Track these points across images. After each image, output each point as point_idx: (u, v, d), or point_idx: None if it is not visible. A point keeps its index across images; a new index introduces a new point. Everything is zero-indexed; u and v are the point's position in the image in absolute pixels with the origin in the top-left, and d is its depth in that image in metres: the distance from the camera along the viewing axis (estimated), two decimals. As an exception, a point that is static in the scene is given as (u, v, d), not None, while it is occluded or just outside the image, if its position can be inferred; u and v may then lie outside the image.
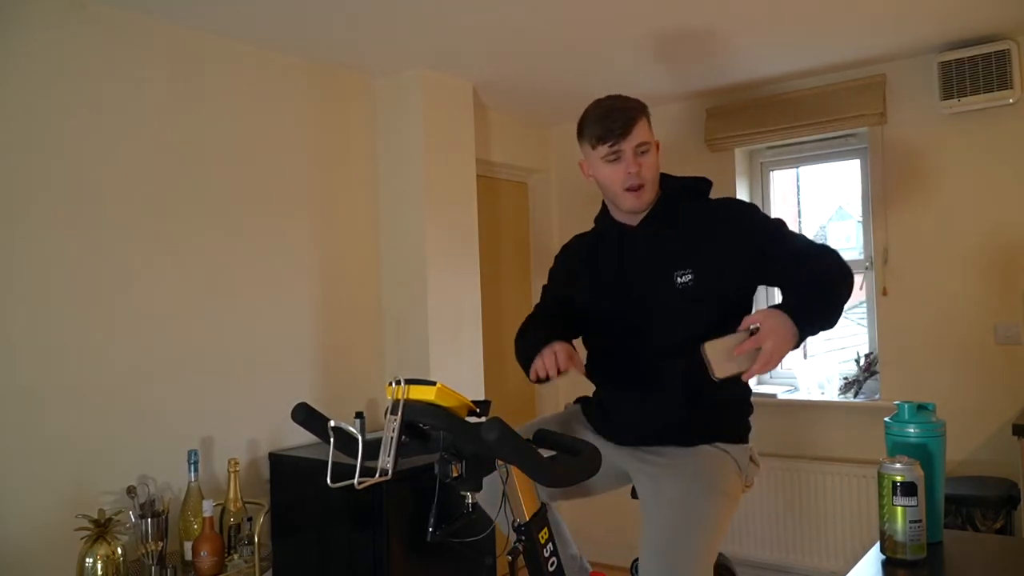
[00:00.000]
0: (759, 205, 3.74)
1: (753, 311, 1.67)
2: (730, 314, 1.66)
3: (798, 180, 3.88)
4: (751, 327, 1.48)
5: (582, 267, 1.89)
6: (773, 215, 1.83)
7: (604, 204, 1.90)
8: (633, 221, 1.80)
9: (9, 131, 2.14)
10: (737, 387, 1.78)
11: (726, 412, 1.78)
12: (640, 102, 1.79)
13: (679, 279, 1.70)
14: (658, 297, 1.72)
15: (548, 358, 1.63)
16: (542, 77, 3.29)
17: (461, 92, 3.29)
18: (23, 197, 2.16)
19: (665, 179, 1.82)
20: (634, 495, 1.79)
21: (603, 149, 1.73)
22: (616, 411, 1.81)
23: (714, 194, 1.88)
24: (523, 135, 3.97)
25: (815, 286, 1.61)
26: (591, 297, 1.83)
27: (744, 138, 3.55)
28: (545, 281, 2.06)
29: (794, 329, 1.50)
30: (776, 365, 1.47)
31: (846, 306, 1.66)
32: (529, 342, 1.74)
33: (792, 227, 1.80)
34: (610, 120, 1.71)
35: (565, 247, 2.02)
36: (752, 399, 1.86)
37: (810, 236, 1.81)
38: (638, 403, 1.77)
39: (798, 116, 3.39)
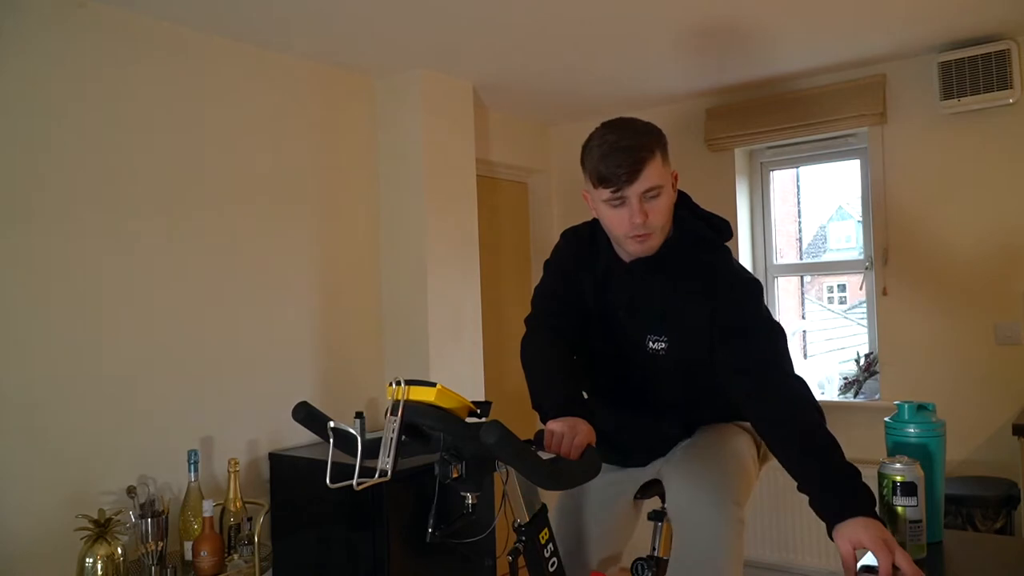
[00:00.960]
0: (760, 205, 3.74)
1: None
2: (705, 384, 1.59)
3: (798, 180, 3.88)
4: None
5: (579, 277, 1.70)
6: (770, 318, 1.54)
7: None
8: (625, 256, 1.61)
9: (8, 130, 2.14)
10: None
11: (727, 409, 1.77)
12: (654, 133, 1.54)
13: (651, 344, 1.57)
14: (636, 356, 1.60)
15: (564, 444, 1.39)
16: (542, 77, 3.29)
17: (461, 92, 3.29)
18: (22, 197, 2.16)
19: (684, 218, 1.60)
20: (635, 495, 1.79)
21: (605, 192, 1.49)
22: (619, 437, 1.76)
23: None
24: (523, 135, 3.97)
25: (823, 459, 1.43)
26: (588, 313, 1.70)
27: (744, 138, 3.55)
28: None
29: (871, 514, 1.27)
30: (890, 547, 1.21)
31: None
32: (548, 396, 1.52)
33: (782, 343, 1.51)
34: (615, 162, 1.47)
35: (570, 240, 1.76)
36: None
37: (793, 365, 1.51)
38: (639, 429, 1.75)
39: (798, 116, 3.39)
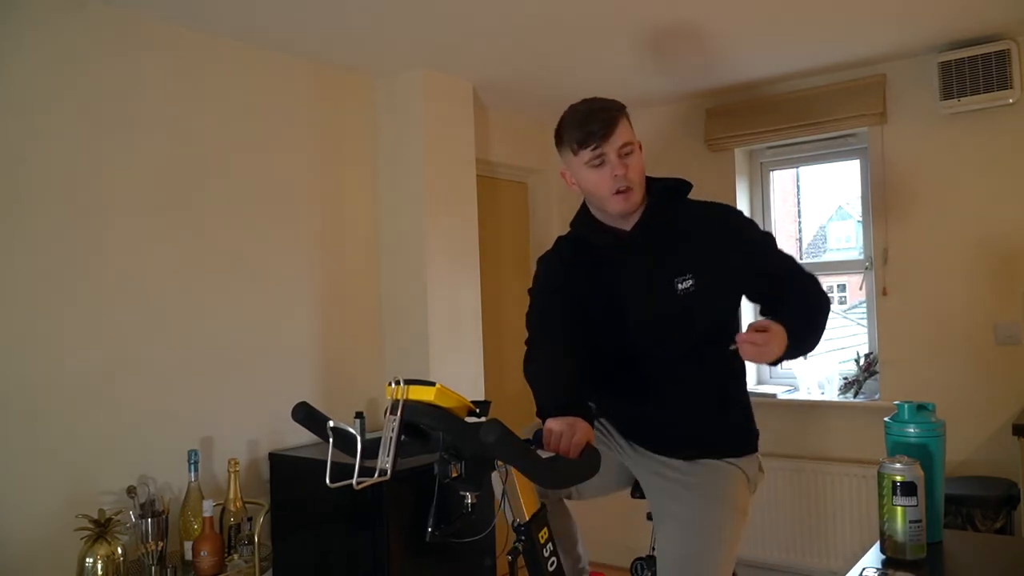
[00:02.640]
0: (760, 205, 3.75)
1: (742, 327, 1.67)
2: (725, 327, 1.67)
3: (798, 180, 3.88)
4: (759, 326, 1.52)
5: (578, 276, 1.77)
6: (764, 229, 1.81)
7: (585, 208, 1.80)
8: (626, 225, 1.72)
9: (8, 130, 2.14)
10: (740, 391, 1.79)
11: (735, 425, 1.77)
12: (618, 102, 1.69)
13: (680, 285, 1.66)
14: (659, 304, 1.67)
15: (564, 443, 1.42)
16: (542, 77, 3.29)
17: (461, 92, 3.29)
18: (22, 196, 2.16)
19: (649, 181, 1.75)
20: (633, 495, 1.79)
21: (586, 154, 1.64)
22: (626, 421, 1.79)
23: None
24: (523, 135, 3.97)
25: (808, 314, 1.64)
26: (592, 308, 1.75)
27: (744, 138, 3.55)
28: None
29: (784, 344, 1.52)
30: (756, 359, 1.53)
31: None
32: (549, 398, 1.56)
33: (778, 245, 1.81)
34: (590, 123, 1.63)
35: (551, 257, 1.85)
36: (752, 399, 1.85)
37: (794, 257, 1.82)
38: (647, 416, 1.75)
39: (798, 116, 3.39)
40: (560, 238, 1.87)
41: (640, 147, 1.70)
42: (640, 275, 1.70)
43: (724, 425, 1.75)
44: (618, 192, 1.64)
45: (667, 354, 1.70)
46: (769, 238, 1.78)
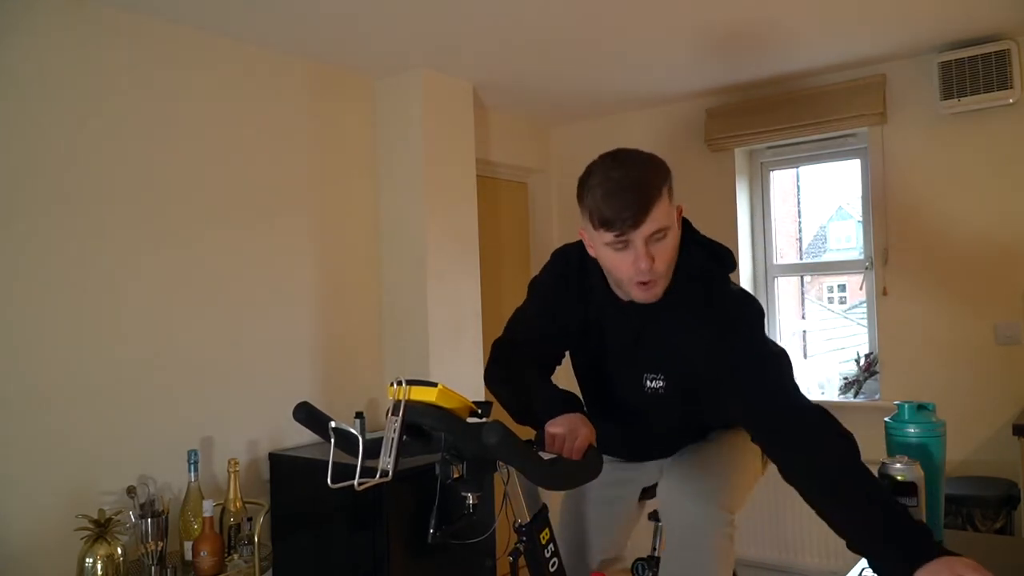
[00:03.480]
0: (760, 205, 3.74)
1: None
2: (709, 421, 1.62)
3: (798, 180, 3.88)
4: None
5: (564, 311, 1.62)
6: (775, 349, 1.43)
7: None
8: (623, 296, 1.51)
9: (8, 129, 2.14)
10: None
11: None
12: (661, 169, 1.40)
13: (648, 383, 1.51)
14: (630, 392, 1.57)
15: (566, 447, 1.35)
16: (542, 77, 3.29)
17: (461, 92, 3.29)
18: (22, 196, 2.16)
19: (686, 252, 1.47)
20: (640, 499, 1.79)
21: (608, 236, 1.37)
22: (620, 442, 1.76)
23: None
24: (523, 135, 3.97)
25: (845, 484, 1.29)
26: (577, 347, 1.66)
27: (744, 138, 3.55)
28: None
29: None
30: None
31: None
32: (539, 399, 1.48)
33: (787, 374, 1.39)
34: (619, 203, 1.33)
35: (559, 269, 1.65)
36: None
37: (798, 394, 1.37)
38: (639, 441, 1.74)
39: (798, 116, 3.39)
40: (581, 253, 1.57)
41: (679, 215, 1.44)
42: (621, 346, 1.56)
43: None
44: (640, 283, 1.40)
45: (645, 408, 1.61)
46: (767, 364, 1.39)
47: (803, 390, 1.39)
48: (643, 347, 1.52)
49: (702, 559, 1.50)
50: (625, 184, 1.35)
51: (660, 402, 1.54)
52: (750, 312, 1.46)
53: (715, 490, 1.54)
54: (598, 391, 1.69)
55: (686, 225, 1.52)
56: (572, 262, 1.61)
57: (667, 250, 1.39)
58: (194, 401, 2.53)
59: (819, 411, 1.32)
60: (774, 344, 1.45)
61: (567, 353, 1.71)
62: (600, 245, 1.41)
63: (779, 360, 1.40)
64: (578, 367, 1.71)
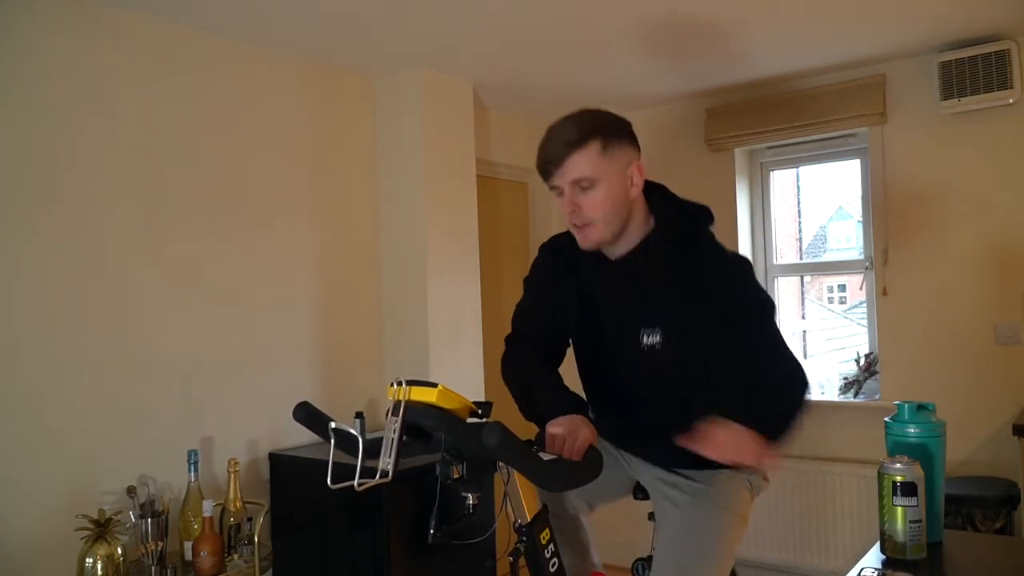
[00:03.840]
0: (760, 205, 3.74)
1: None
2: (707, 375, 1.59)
3: (798, 180, 3.88)
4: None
5: (557, 286, 1.68)
6: (764, 295, 1.55)
7: None
8: (612, 254, 1.58)
9: (8, 129, 2.14)
10: None
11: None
12: (601, 123, 1.49)
13: (645, 339, 1.52)
14: (626, 353, 1.57)
15: (567, 447, 1.38)
16: (542, 77, 3.29)
17: (461, 92, 3.29)
18: (22, 196, 2.16)
19: (661, 207, 1.57)
20: (635, 496, 1.79)
21: (548, 185, 1.53)
22: (617, 435, 1.75)
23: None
24: (523, 135, 3.96)
25: (767, 410, 1.44)
26: (574, 326, 1.68)
27: (744, 138, 3.55)
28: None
29: (747, 435, 1.35)
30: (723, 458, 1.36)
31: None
32: (542, 398, 1.54)
33: (774, 319, 1.53)
34: (545, 151, 1.49)
35: (547, 253, 1.75)
36: None
37: (785, 342, 1.52)
38: (637, 431, 1.71)
39: (798, 116, 3.39)
40: (564, 233, 1.71)
41: (636, 172, 1.52)
42: (611, 314, 1.60)
43: None
44: (575, 226, 1.53)
45: (645, 395, 1.62)
46: (759, 306, 1.51)
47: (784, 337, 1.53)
48: (636, 301, 1.56)
49: None
50: (552, 135, 1.49)
51: (658, 365, 1.54)
52: (740, 262, 1.55)
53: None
54: (598, 366, 1.68)
55: (662, 189, 1.60)
56: (560, 242, 1.71)
57: (595, 200, 1.48)
58: (194, 401, 2.53)
59: (795, 366, 1.47)
60: (763, 294, 1.54)
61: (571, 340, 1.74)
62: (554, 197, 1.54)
63: (767, 308, 1.51)
64: (578, 345, 1.71)
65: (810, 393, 1.48)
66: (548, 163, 1.49)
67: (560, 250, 1.70)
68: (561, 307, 1.67)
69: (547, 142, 1.50)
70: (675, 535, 1.62)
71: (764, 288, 1.57)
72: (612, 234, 1.53)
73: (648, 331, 1.53)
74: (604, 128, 1.49)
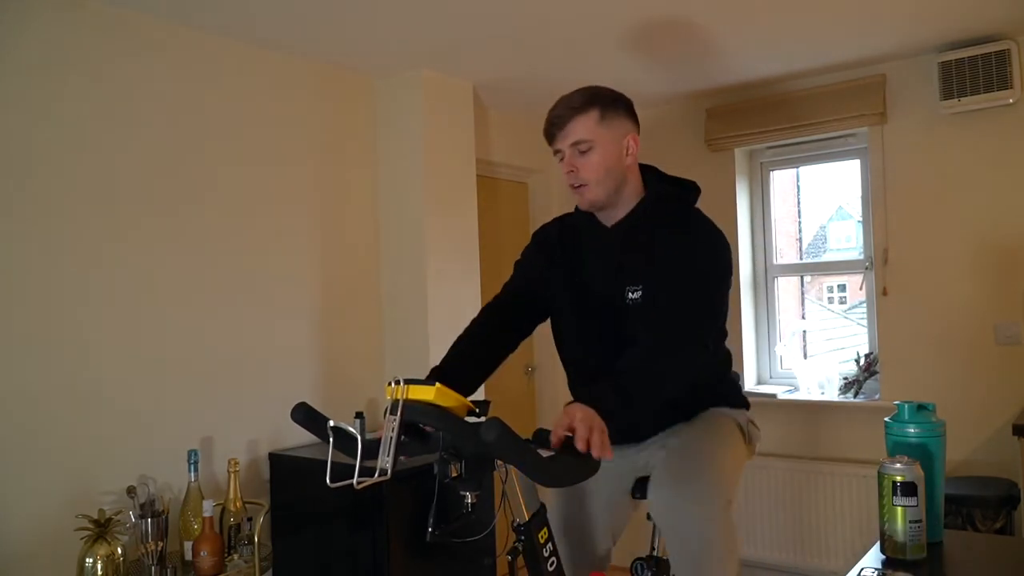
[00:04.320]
0: (760, 205, 3.74)
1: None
2: None
3: (798, 180, 3.88)
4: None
5: (546, 261, 1.80)
6: (719, 267, 1.62)
7: None
8: (608, 221, 1.71)
9: (9, 129, 2.14)
10: (715, 375, 1.79)
11: (718, 386, 1.79)
12: (599, 95, 1.64)
13: (630, 294, 1.62)
14: (613, 311, 1.65)
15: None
16: (542, 77, 3.29)
17: (461, 92, 3.29)
18: (22, 196, 2.16)
19: (653, 181, 1.72)
20: (634, 495, 1.79)
21: (552, 149, 1.68)
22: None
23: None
24: (523, 135, 3.96)
25: (633, 381, 1.44)
26: (563, 288, 1.75)
27: (744, 138, 3.55)
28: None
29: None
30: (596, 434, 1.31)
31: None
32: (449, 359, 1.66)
33: (713, 293, 1.59)
34: (551, 114, 1.65)
35: (545, 229, 1.88)
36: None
37: (704, 313, 1.57)
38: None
39: (798, 116, 3.39)
40: (559, 217, 1.88)
41: (630, 142, 1.65)
42: (603, 274, 1.69)
43: (706, 392, 1.76)
44: (573, 187, 1.66)
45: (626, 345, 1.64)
46: (703, 274, 1.57)
47: (719, 320, 1.64)
48: (624, 261, 1.66)
49: (711, 553, 1.53)
50: (559, 102, 1.65)
51: (638, 318, 1.59)
52: (713, 231, 1.65)
53: (707, 486, 1.58)
54: (584, 336, 1.73)
55: (653, 168, 1.75)
56: (553, 226, 1.86)
57: (592, 162, 1.62)
58: (194, 401, 2.53)
59: (689, 356, 1.51)
60: (720, 261, 1.62)
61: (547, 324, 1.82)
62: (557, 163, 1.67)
63: (720, 283, 1.61)
64: (565, 314, 1.76)
65: (678, 387, 1.52)
66: (552, 125, 1.64)
67: (548, 231, 1.85)
68: (544, 276, 1.78)
69: (554, 107, 1.65)
70: (674, 454, 1.65)
71: (725, 262, 1.63)
72: (606, 195, 1.65)
73: (632, 287, 1.63)
74: (604, 99, 1.64)
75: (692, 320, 1.54)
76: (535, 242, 1.88)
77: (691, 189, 1.74)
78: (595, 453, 1.29)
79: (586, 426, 1.30)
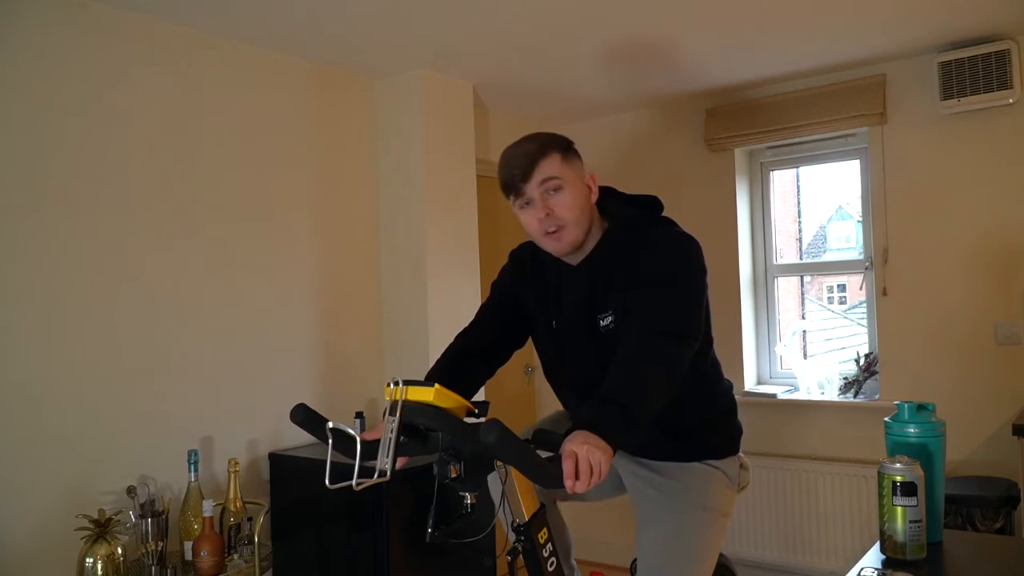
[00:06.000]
0: (760, 205, 3.74)
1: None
2: None
3: (798, 180, 3.88)
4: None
5: (520, 291, 1.76)
6: (690, 267, 1.56)
7: None
8: (573, 260, 1.64)
9: (8, 130, 2.14)
10: (711, 407, 1.73)
11: (712, 431, 1.73)
12: (556, 139, 1.59)
13: (602, 322, 1.58)
14: (588, 342, 1.61)
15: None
16: (542, 77, 3.29)
17: (461, 92, 3.29)
18: (22, 197, 2.16)
19: (616, 207, 1.65)
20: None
21: (514, 200, 1.59)
22: None
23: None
24: (523, 135, 3.96)
25: (630, 385, 1.37)
26: (538, 313, 1.73)
27: (744, 138, 3.55)
28: None
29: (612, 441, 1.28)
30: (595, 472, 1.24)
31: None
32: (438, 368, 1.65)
33: (683, 290, 1.52)
34: (510, 167, 1.57)
35: (520, 251, 1.83)
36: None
37: (682, 318, 1.49)
38: None
39: (798, 116, 3.39)
40: (531, 242, 1.76)
41: (591, 181, 1.61)
42: (579, 306, 1.64)
43: (700, 436, 1.70)
44: (547, 233, 1.57)
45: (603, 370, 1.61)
46: (671, 276, 1.51)
47: (695, 321, 1.51)
48: (595, 292, 1.60)
49: None
50: (515, 151, 1.58)
51: (612, 339, 1.54)
52: (681, 236, 1.59)
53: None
54: (560, 363, 1.72)
55: (611, 190, 1.70)
56: (523, 252, 1.80)
57: (565, 201, 1.55)
58: (194, 401, 2.53)
59: (676, 350, 1.42)
60: (695, 266, 1.55)
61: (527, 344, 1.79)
62: (518, 213, 1.62)
63: (691, 279, 1.53)
64: (543, 343, 1.74)
65: (669, 385, 1.42)
66: (514, 175, 1.55)
67: (522, 260, 1.79)
68: (518, 307, 1.74)
69: (509, 159, 1.58)
70: (657, 537, 1.63)
71: (695, 262, 1.57)
72: (583, 235, 1.59)
73: (603, 315, 1.58)
74: (559, 142, 1.60)
75: (667, 318, 1.46)
76: (511, 263, 1.83)
77: (653, 206, 1.68)
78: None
79: (587, 479, 1.25)
